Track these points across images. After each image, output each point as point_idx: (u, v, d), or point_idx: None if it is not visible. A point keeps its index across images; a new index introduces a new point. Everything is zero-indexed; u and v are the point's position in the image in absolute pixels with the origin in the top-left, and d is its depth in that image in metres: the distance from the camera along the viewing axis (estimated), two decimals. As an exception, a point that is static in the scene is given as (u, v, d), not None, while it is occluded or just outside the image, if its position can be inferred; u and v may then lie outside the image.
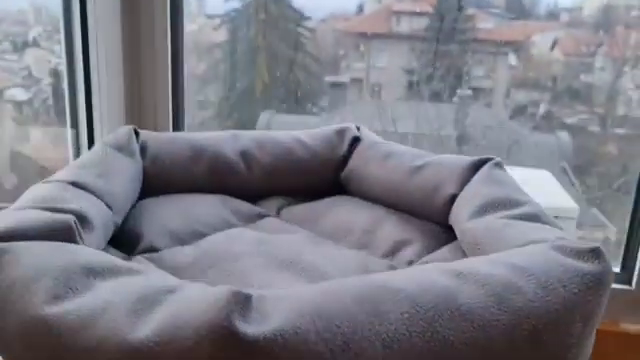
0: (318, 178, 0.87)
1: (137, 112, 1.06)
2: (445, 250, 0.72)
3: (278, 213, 0.83)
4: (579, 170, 2.85)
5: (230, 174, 0.82)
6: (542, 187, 1.91)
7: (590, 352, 0.53)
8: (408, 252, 0.73)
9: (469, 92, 3.09)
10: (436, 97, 2.99)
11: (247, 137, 0.85)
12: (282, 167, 0.84)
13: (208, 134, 0.85)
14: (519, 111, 3.19)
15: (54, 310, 0.44)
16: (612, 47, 2.88)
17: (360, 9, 2.72)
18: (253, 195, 0.84)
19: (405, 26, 3.10)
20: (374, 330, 0.43)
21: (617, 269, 1.04)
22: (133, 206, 0.75)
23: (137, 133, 0.79)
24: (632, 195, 1.09)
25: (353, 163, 0.86)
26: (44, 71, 1.96)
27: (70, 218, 0.55)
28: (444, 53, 3.04)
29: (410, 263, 0.71)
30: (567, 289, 0.49)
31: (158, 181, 0.79)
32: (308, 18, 2.99)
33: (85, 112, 1.04)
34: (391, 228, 0.76)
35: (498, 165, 0.76)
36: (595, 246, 0.53)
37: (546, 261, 0.51)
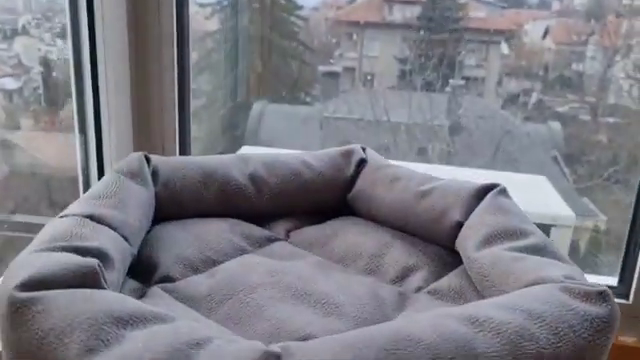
0: (325, 199, 0.88)
1: (144, 119, 1.06)
2: (452, 276, 0.75)
3: (287, 236, 0.84)
4: (570, 159, 2.88)
5: (240, 198, 0.84)
6: (538, 194, 1.93)
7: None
8: (416, 278, 0.75)
9: (462, 82, 3.11)
10: (429, 86, 3.00)
11: (255, 160, 0.87)
12: (290, 189, 0.86)
13: (217, 158, 0.86)
14: (511, 100, 3.21)
15: (88, 365, 0.46)
16: (603, 36, 2.90)
17: (352, -3, 2.71)
18: (262, 217, 0.86)
19: (398, 15, 3.10)
20: (398, 384, 0.45)
21: (614, 283, 1.07)
22: (147, 231, 0.76)
23: (147, 159, 0.80)
24: (632, 203, 1.11)
25: (360, 185, 0.87)
26: (34, 59, 1.94)
27: (94, 262, 0.56)
28: (437, 42, 3.05)
29: (419, 289, 0.73)
30: (577, 334, 0.52)
31: (170, 206, 0.81)
32: (300, 7, 2.98)
33: (93, 118, 1.05)
34: (398, 253, 0.78)
35: (503, 192, 0.78)
36: (603, 289, 0.56)
37: (556, 305, 0.54)
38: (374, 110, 2.86)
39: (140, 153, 0.80)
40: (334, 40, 3.06)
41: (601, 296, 0.55)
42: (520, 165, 2.78)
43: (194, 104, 1.10)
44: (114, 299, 0.53)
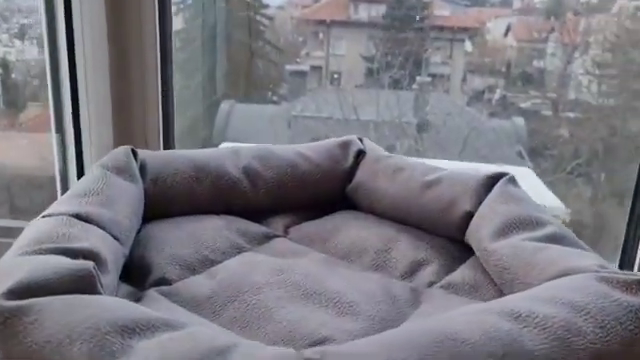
0: (323, 192, 0.83)
1: (125, 113, 0.99)
2: (464, 269, 0.71)
3: (286, 232, 0.79)
4: (534, 154, 2.92)
5: (234, 193, 0.78)
6: (525, 186, 1.93)
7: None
8: (427, 272, 0.71)
9: (428, 79, 3.11)
10: (396, 84, 2.99)
11: (248, 152, 0.81)
12: (287, 182, 0.81)
13: (208, 151, 0.81)
14: (476, 97, 3.23)
15: (95, 381, 0.40)
16: (563, 33, 2.94)
17: (318, -4, 2.67)
18: (258, 213, 0.80)
19: (363, 14, 3.08)
20: (447, 389, 0.40)
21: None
22: (137, 231, 0.70)
23: (134, 153, 0.74)
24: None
25: (360, 177, 0.83)
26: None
27: (89, 265, 0.50)
28: (402, 40, 3.04)
29: (431, 284, 0.69)
30: (624, 327, 0.48)
31: (160, 203, 0.74)
32: (266, 6, 2.93)
33: (72, 117, 0.97)
34: (405, 247, 0.74)
35: (512, 181, 0.74)
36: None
37: (598, 297, 0.50)
38: (342, 108, 2.84)
39: (126, 147, 0.73)
40: (300, 39, 3.02)
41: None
42: (488, 161, 2.79)
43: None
44: (115, 305, 0.47)
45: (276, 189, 0.80)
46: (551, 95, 2.87)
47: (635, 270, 1.02)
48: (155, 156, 0.77)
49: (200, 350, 0.42)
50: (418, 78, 2.85)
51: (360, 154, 0.85)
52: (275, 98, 3.08)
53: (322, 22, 2.93)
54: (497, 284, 0.66)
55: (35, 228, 0.58)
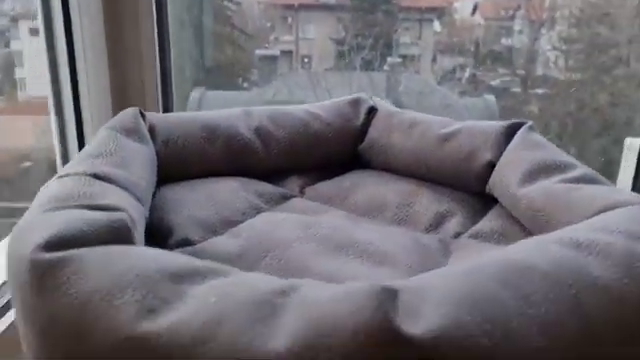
0: (335, 152, 0.81)
1: (123, 92, 0.95)
2: (490, 218, 0.70)
3: (302, 192, 0.76)
4: (505, 131, 2.93)
5: (247, 153, 0.75)
6: None
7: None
8: (452, 224, 0.69)
9: (399, 60, 3.10)
10: (367, 66, 2.98)
11: (259, 113, 0.78)
12: (299, 141, 0.78)
13: (217, 112, 0.77)
14: (446, 76, 3.24)
15: (154, 327, 0.37)
16: (529, 10, 2.96)
17: (285, -20, 2.64)
18: (271, 174, 0.77)
19: (331, -4, 3.05)
20: (527, 315, 0.39)
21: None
22: (153, 195, 0.66)
23: (142, 115, 0.70)
24: None
25: (373, 134, 0.81)
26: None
27: (124, 215, 0.47)
28: (372, 22, 3.03)
29: (457, 235, 0.68)
30: (681, 251, 0.47)
31: (173, 165, 0.71)
32: (233, -9, 2.86)
33: (72, 100, 0.93)
34: (427, 200, 0.72)
35: (533, 128, 0.73)
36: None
37: (651, 224, 0.49)
38: (315, 91, 2.81)
39: (134, 108, 0.69)
40: (269, 24, 2.97)
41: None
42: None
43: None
44: (157, 254, 0.44)
45: (289, 149, 0.78)
46: (520, 72, 2.90)
47: None
48: (164, 118, 0.73)
49: (261, 291, 0.39)
50: (389, 59, 2.84)
51: (371, 111, 0.83)
52: (246, 84, 3.03)
53: (290, 6, 2.89)
54: (528, 229, 0.65)
55: (54, 187, 0.54)
